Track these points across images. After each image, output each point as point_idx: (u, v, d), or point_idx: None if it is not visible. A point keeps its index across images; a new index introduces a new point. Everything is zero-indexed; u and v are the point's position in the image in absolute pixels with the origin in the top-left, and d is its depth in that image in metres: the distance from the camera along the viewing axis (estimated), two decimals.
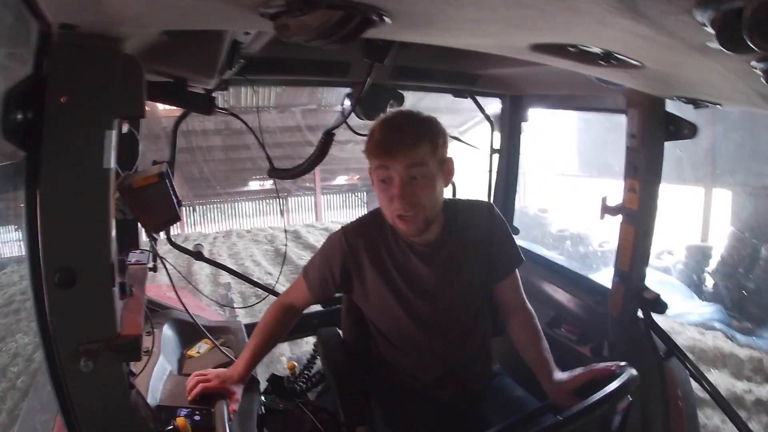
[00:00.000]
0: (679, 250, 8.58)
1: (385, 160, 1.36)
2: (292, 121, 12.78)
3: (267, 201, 15.87)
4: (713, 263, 7.97)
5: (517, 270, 1.62)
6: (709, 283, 7.90)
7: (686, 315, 6.45)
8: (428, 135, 1.38)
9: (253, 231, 14.62)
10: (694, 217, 9.06)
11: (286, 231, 12.35)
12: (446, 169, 1.44)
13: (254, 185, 16.03)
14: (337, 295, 1.77)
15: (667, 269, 8.34)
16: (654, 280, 7.30)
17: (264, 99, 11.51)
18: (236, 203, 16.10)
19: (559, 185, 12.91)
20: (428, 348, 1.59)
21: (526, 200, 12.84)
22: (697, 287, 7.73)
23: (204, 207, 15.83)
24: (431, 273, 1.53)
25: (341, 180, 16.42)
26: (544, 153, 12.23)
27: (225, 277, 7.71)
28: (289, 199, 15.71)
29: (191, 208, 15.08)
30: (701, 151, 8.66)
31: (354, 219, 1.66)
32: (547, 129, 11.33)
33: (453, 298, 1.56)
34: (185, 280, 2.35)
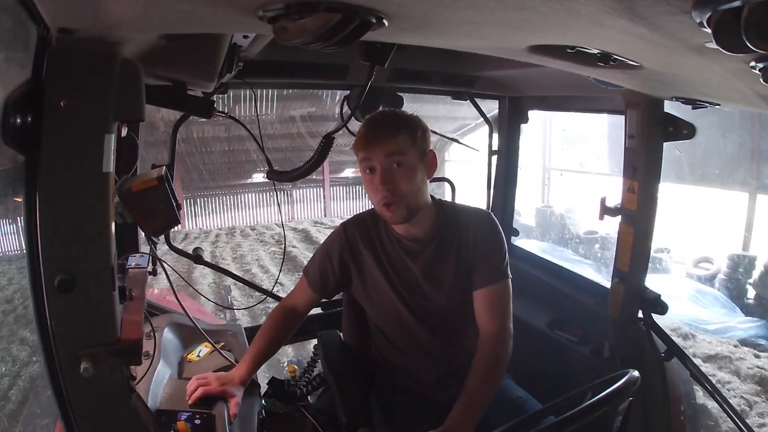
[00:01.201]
0: (719, 259, 8.01)
1: (367, 151, 1.45)
2: (292, 124, 12.48)
3: (270, 193, 14.96)
4: (756, 274, 7.42)
5: (499, 288, 1.54)
6: (752, 294, 7.34)
7: (730, 331, 6.09)
8: (406, 127, 1.47)
9: (258, 228, 13.76)
10: (737, 224, 8.40)
11: (283, 225, 12.14)
12: (427, 161, 1.50)
13: (258, 177, 15.15)
14: (336, 297, 1.77)
15: (705, 278, 7.86)
16: (693, 290, 6.90)
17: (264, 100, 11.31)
18: (238, 195, 15.26)
19: (588, 184, 11.88)
20: (425, 346, 1.60)
21: (550, 199, 11.98)
22: (739, 300, 7.16)
23: (205, 199, 14.91)
24: (416, 269, 1.57)
25: (348, 173, 15.73)
26: (572, 150, 11.73)
27: (227, 282, 7.61)
28: (294, 191, 15.06)
29: (192, 200, 14.27)
30: (746, 154, 8.03)
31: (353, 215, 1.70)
32: (576, 126, 10.94)
33: (441, 297, 1.58)
34: (186, 282, 2.35)
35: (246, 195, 15.26)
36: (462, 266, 1.56)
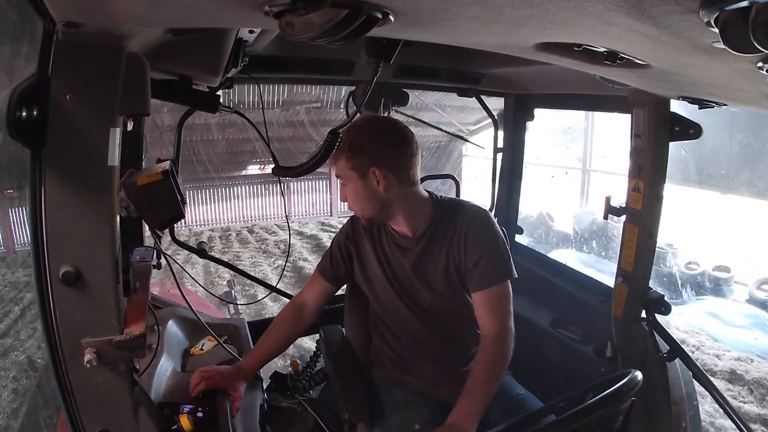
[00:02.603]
0: None
1: None
2: (295, 112, 11.70)
3: (265, 185, 13.67)
4: None
5: (498, 290, 1.50)
6: None
7: None
8: (344, 149, 1.50)
9: (258, 231, 12.13)
10: None
11: (289, 227, 11.65)
12: (370, 178, 1.50)
13: (253, 168, 13.73)
14: (339, 293, 1.78)
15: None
16: (761, 317, 6.35)
17: (269, 96, 10.98)
18: (232, 187, 13.72)
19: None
20: (421, 339, 1.62)
21: (589, 204, 10.68)
22: None
23: (194, 192, 13.09)
24: (407, 264, 1.59)
25: None
26: (571, 146, 10.93)
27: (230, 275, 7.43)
28: (293, 183, 13.55)
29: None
30: None
31: None
32: (576, 119, 10.27)
33: (429, 295, 1.59)
34: (192, 278, 2.36)
35: (240, 188, 13.94)
36: (452, 266, 1.55)
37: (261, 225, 13.11)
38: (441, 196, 1.63)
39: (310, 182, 14.19)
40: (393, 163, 1.50)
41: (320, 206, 14.57)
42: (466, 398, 1.38)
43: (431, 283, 1.58)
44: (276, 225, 12.75)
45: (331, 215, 14.25)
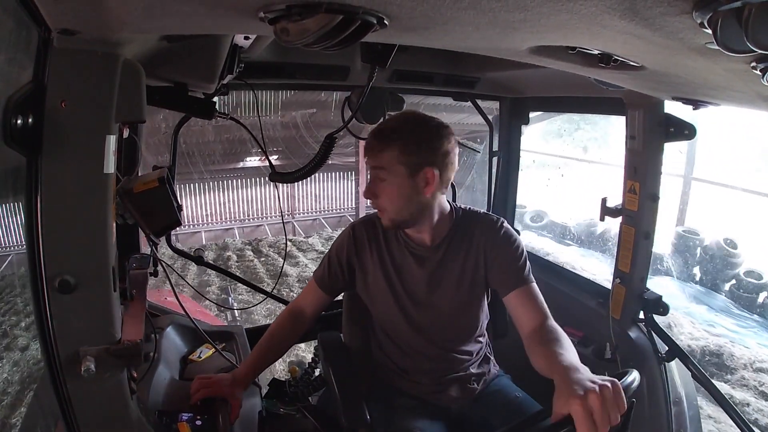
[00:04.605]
0: None
1: (365, 158, 1.49)
2: (295, 130, 10.65)
3: (263, 177, 11.53)
4: None
5: (529, 288, 1.49)
6: None
7: None
8: (399, 141, 1.41)
9: (267, 252, 9.81)
10: None
11: (286, 237, 11.11)
12: (420, 177, 1.43)
13: (252, 160, 11.72)
14: (338, 298, 1.78)
15: None
16: None
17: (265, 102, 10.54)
18: (226, 180, 11.89)
19: (749, 206, 8.64)
20: (422, 350, 1.61)
21: (687, 220, 9.09)
22: None
23: (182, 185, 10.96)
24: (422, 275, 1.56)
25: None
26: (725, 160, 9.36)
27: (226, 282, 7.46)
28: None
29: None
30: None
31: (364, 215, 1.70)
32: (737, 132, 9.01)
33: (443, 303, 1.57)
34: (189, 285, 2.35)
35: (236, 180, 12.05)
36: (468, 274, 1.56)
37: (269, 241, 10.86)
38: (458, 205, 1.62)
39: (329, 173, 12.08)
40: (444, 166, 1.47)
41: (342, 202, 12.20)
42: (561, 362, 1.19)
43: (442, 287, 1.57)
44: (289, 241, 10.47)
45: (357, 216, 11.45)
